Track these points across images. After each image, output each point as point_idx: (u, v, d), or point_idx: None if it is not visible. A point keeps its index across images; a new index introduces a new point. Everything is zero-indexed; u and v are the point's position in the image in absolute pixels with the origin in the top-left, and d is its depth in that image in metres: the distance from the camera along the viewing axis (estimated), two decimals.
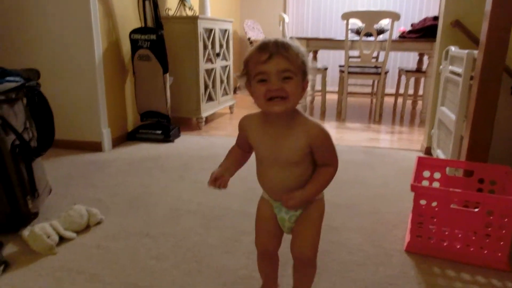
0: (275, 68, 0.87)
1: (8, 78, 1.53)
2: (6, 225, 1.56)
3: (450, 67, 2.16)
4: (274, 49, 0.87)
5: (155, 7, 2.93)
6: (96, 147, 2.69)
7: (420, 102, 4.32)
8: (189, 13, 3.91)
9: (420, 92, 4.40)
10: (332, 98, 5.06)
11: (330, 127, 3.63)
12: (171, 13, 3.53)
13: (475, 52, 1.73)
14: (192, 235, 1.59)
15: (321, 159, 0.98)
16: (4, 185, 1.50)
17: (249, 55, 0.92)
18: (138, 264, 1.39)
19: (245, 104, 4.66)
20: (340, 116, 4.03)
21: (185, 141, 3.01)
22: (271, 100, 0.89)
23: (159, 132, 3.00)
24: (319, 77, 4.71)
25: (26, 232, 1.50)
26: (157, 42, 2.85)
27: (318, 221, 1.05)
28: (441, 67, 2.39)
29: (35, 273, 1.33)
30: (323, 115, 4.17)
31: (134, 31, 2.87)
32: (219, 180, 1.01)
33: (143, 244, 1.53)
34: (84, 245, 1.51)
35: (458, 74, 1.99)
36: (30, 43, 2.61)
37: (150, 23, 3.01)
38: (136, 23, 3.02)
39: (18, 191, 1.54)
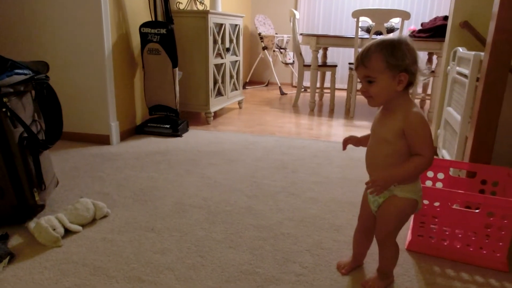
0: (359, 75, 1.14)
1: (16, 71, 1.53)
2: (12, 217, 1.58)
3: (457, 68, 2.15)
4: (356, 61, 1.15)
5: (166, 0, 2.95)
6: (104, 140, 2.73)
7: (428, 102, 4.29)
8: (200, 7, 3.92)
9: (429, 91, 4.38)
10: (341, 95, 5.06)
11: (338, 124, 3.63)
12: (181, 7, 3.54)
13: (482, 54, 1.73)
14: (197, 230, 1.62)
15: (412, 146, 1.11)
16: (12, 177, 1.53)
17: None
18: (143, 257, 1.42)
19: (254, 100, 4.68)
20: (349, 113, 4.03)
21: (193, 136, 3.04)
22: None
23: (168, 126, 3.03)
24: (328, 74, 4.70)
25: (32, 224, 1.52)
26: (167, 36, 2.86)
27: (393, 216, 1.20)
28: (448, 67, 2.38)
29: (40, 265, 1.36)
30: (331, 112, 4.17)
31: (144, 25, 2.88)
32: (346, 142, 1.31)
33: (148, 238, 1.56)
34: (90, 238, 1.54)
35: (465, 75, 1.98)
36: (39, 34, 2.63)
37: (160, 17, 3.03)
38: (147, 17, 3.04)
39: (25, 183, 1.56)
